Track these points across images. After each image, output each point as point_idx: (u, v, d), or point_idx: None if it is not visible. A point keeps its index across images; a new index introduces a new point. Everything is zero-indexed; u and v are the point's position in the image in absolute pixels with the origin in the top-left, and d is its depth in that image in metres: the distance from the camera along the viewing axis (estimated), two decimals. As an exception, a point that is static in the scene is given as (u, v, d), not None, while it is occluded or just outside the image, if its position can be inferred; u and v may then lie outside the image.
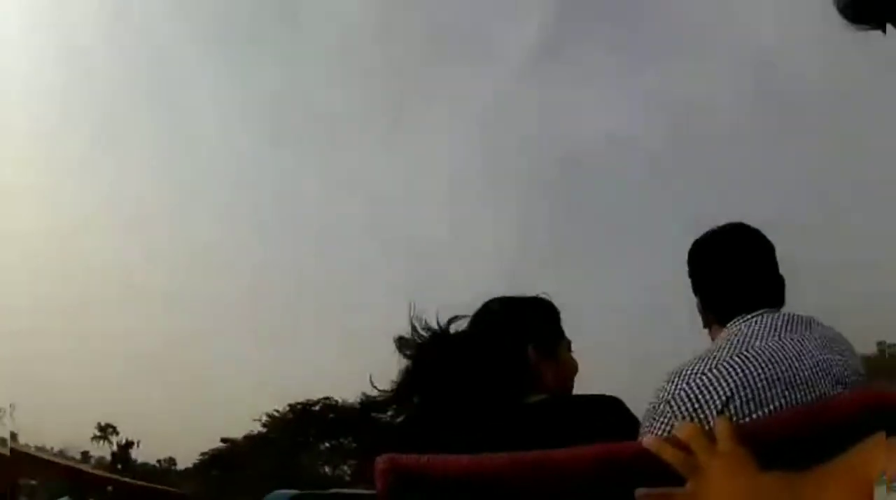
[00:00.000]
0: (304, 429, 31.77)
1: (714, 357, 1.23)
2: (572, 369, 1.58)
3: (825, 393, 1.20)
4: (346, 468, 32.60)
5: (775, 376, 1.19)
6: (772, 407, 1.16)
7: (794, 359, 1.22)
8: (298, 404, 32.34)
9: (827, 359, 1.25)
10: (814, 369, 1.22)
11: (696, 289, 1.47)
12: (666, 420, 1.20)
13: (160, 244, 43.55)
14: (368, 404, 1.40)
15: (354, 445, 31.81)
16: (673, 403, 1.20)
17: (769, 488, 0.81)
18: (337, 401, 31.96)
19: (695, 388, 1.20)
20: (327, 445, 32.65)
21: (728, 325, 1.35)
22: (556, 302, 1.58)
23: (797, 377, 1.20)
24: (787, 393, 1.18)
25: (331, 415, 32.07)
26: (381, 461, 0.89)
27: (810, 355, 1.24)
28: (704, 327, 1.47)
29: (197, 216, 43.39)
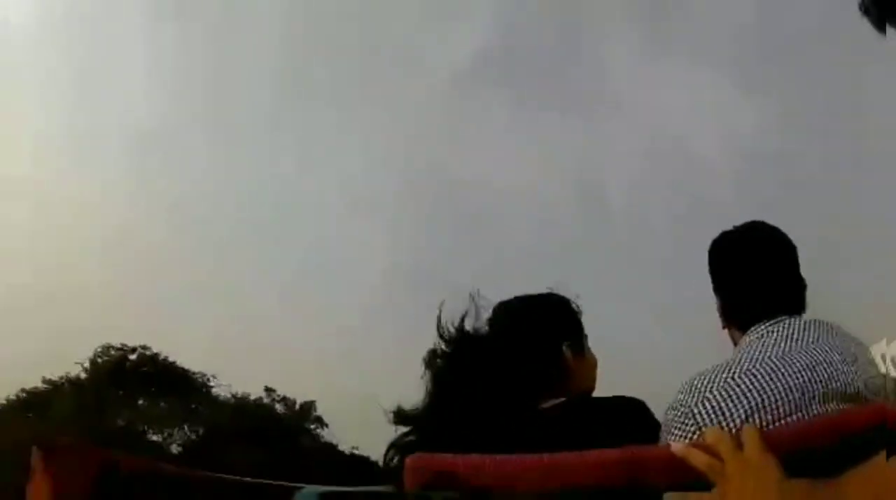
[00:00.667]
0: (119, 379, 29.18)
1: (734, 367, 1.22)
2: (595, 364, 1.57)
3: (843, 405, 1.18)
4: (146, 427, 30.21)
5: (796, 388, 1.17)
6: (791, 418, 1.15)
7: (813, 370, 1.20)
8: (113, 347, 29.64)
9: (846, 370, 1.22)
10: (833, 381, 1.20)
11: (717, 289, 1.45)
12: (690, 429, 1.19)
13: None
14: (401, 417, 1.37)
15: (165, 406, 30.06)
16: (696, 412, 1.19)
17: (795, 495, 0.82)
18: (157, 353, 29.95)
19: (718, 398, 1.18)
20: (141, 402, 30.25)
21: (749, 331, 1.34)
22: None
23: (817, 389, 1.19)
24: (805, 404, 1.17)
25: (144, 368, 29.76)
26: (411, 460, 0.90)
27: (830, 365, 1.22)
28: (724, 327, 1.45)
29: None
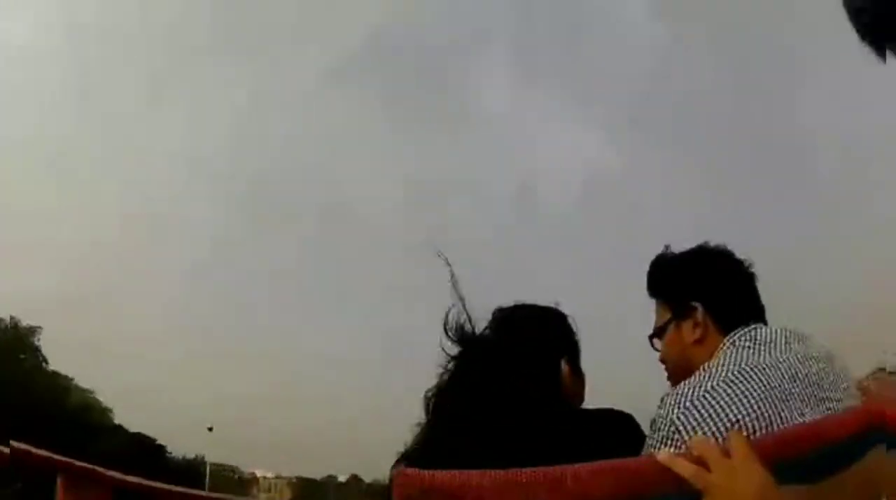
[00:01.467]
0: None
1: (719, 373, 1.22)
2: (584, 382, 1.58)
3: (825, 410, 1.19)
4: None
5: (781, 395, 1.18)
6: (777, 423, 1.15)
7: (796, 374, 1.22)
8: None
9: (830, 374, 1.25)
10: (818, 385, 1.22)
11: (697, 294, 1.42)
12: (674, 442, 1.17)
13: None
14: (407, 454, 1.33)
15: None
16: (679, 424, 1.18)
17: None
18: None
19: (700, 408, 1.17)
20: None
21: (732, 335, 1.33)
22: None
23: (803, 393, 1.20)
24: (790, 409, 1.17)
25: None
26: (397, 474, 0.91)
27: (813, 372, 1.24)
28: (697, 340, 1.40)
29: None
